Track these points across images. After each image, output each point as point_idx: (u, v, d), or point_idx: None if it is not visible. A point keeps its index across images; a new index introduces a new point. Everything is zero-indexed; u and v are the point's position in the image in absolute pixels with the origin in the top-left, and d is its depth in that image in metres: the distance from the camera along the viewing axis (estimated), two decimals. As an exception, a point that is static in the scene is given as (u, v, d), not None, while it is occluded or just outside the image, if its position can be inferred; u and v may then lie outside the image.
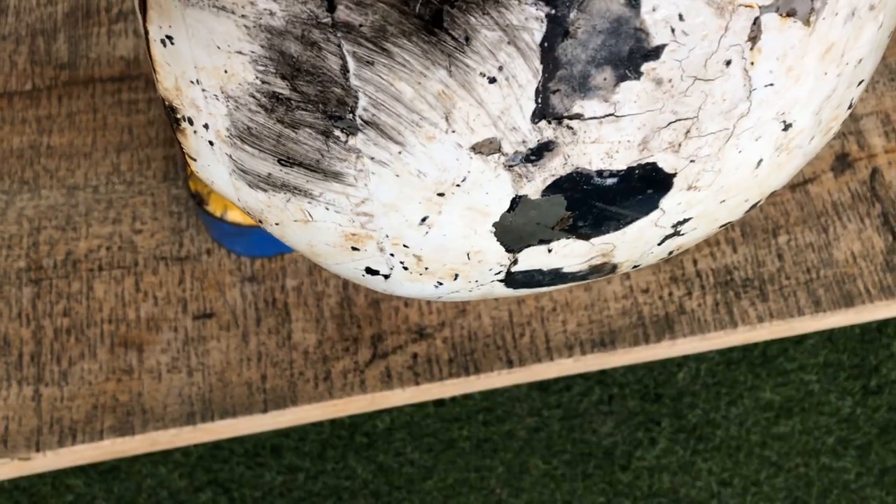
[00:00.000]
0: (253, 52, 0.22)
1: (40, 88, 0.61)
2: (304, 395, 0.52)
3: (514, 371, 0.54)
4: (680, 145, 0.23)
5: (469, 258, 0.26)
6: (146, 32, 0.25)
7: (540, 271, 0.27)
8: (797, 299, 0.57)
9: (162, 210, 0.57)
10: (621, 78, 0.22)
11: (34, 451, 0.50)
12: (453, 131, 0.22)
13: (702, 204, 0.26)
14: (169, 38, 0.24)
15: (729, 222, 0.29)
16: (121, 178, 0.58)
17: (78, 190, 0.57)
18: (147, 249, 0.56)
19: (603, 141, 0.22)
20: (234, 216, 0.52)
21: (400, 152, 0.23)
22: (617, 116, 0.22)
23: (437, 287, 0.27)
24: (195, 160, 0.26)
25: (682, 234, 0.28)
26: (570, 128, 0.22)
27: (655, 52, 0.22)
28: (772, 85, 0.23)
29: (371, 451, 0.88)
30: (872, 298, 0.57)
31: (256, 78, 0.23)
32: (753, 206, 0.29)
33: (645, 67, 0.22)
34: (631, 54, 0.22)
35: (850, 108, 0.28)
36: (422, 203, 0.24)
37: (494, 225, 0.25)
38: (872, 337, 0.94)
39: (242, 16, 0.22)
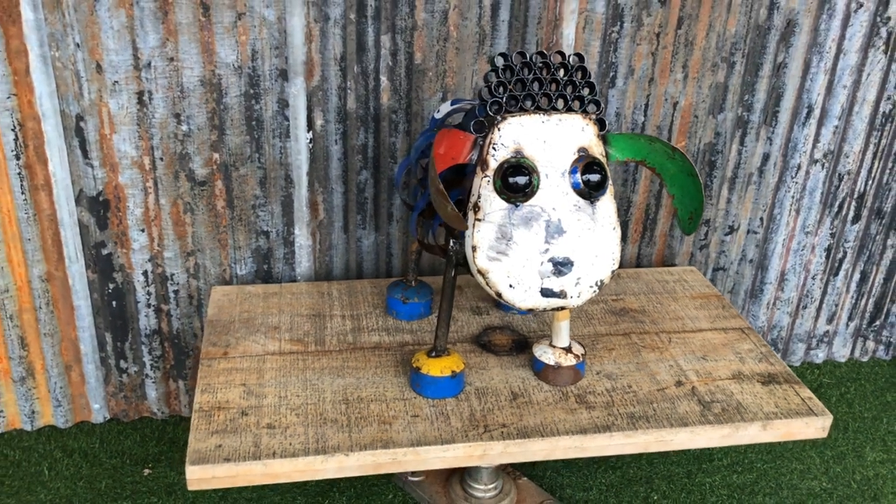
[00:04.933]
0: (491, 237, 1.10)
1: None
2: (457, 440, 1.25)
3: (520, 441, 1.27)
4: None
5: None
6: (473, 251, 1.11)
7: (549, 289, 1.08)
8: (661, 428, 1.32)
9: (396, 388, 1.36)
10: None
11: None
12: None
13: (579, 278, 1.10)
14: (476, 248, 1.11)
15: (597, 285, 1.13)
16: (385, 390, 1.39)
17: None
18: (392, 397, 1.34)
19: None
20: (428, 372, 1.32)
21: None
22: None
23: (510, 289, 1.09)
24: (476, 259, 1.10)
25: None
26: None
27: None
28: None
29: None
30: (701, 425, 1.32)
31: (491, 245, 1.09)
32: (599, 284, 1.12)
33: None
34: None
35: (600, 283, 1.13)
36: (525, 265, 1.09)
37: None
38: None
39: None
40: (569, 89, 1.13)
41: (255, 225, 1.69)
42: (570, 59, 1.13)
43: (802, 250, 1.99)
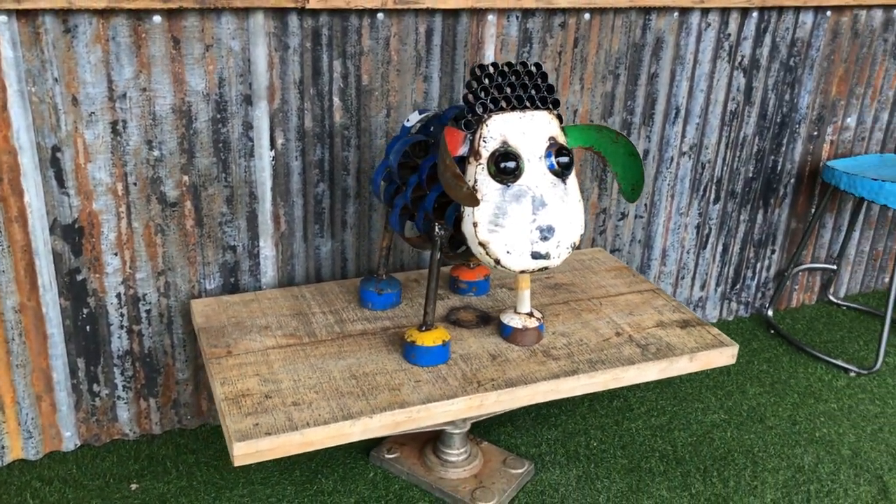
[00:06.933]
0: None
1: (331, 339, 1.63)
2: (458, 394, 1.46)
3: (507, 391, 1.51)
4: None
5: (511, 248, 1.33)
6: (475, 226, 1.33)
7: (537, 252, 1.32)
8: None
9: (394, 362, 1.55)
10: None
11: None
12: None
13: (559, 241, 1.35)
14: (476, 224, 1.33)
15: (571, 247, 1.38)
16: (384, 365, 1.57)
17: (358, 359, 1.56)
18: (392, 369, 1.53)
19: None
20: (423, 343, 1.52)
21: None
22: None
23: (507, 254, 1.32)
24: (477, 233, 1.32)
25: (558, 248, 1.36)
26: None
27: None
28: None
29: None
30: (644, 362, 1.61)
31: (490, 220, 1.32)
32: (573, 246, 1.38)
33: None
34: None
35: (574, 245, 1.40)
36: (520, 236, 1.33)
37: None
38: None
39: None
40: (533, 91, 1.40)
41: (222, 240, 1.82)
42: (533, 68, 1.40)
43: (678, 229, 2.38)
